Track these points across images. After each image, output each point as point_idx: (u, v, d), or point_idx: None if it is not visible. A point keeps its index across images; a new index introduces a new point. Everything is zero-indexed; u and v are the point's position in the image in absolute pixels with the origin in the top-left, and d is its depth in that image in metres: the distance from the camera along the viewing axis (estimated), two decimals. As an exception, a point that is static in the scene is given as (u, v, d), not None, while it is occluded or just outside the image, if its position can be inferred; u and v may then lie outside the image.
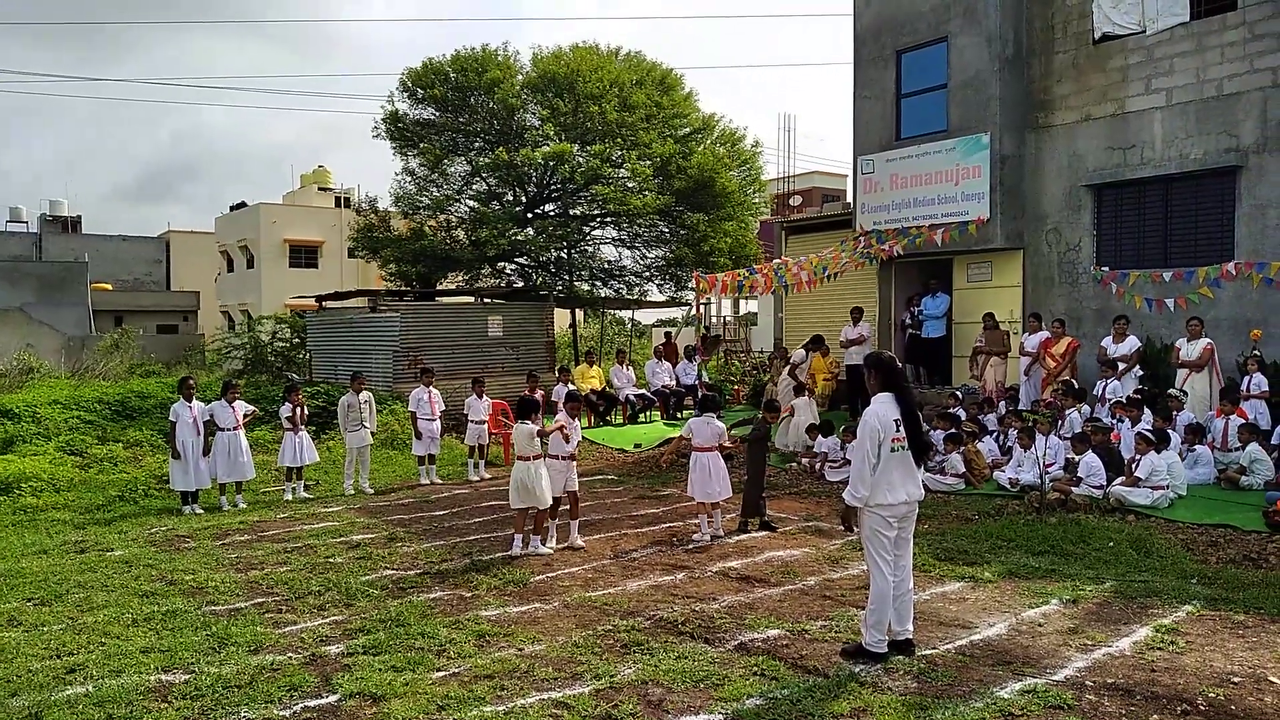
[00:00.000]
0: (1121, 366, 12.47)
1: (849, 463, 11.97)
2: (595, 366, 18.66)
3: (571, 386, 14.34)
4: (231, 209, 46.99)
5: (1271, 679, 5.53)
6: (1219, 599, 7.09)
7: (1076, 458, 10.25)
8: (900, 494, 5.91)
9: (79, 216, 53.67)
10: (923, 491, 6.11)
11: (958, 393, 14.34)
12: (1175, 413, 11.25)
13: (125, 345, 30.17)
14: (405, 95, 24.91)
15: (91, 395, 16.97)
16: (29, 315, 36.86)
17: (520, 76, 24.63)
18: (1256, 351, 11.73)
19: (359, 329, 19.56)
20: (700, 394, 15.53)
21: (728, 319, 34.07)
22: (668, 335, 21.81)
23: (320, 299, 21.82)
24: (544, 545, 8.98)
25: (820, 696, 5.35)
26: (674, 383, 18.51)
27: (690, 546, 9.13)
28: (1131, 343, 12.61)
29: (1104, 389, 12.38)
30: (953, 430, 11.64)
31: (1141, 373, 12.49)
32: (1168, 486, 9.59)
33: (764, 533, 9.71)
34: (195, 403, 11.63)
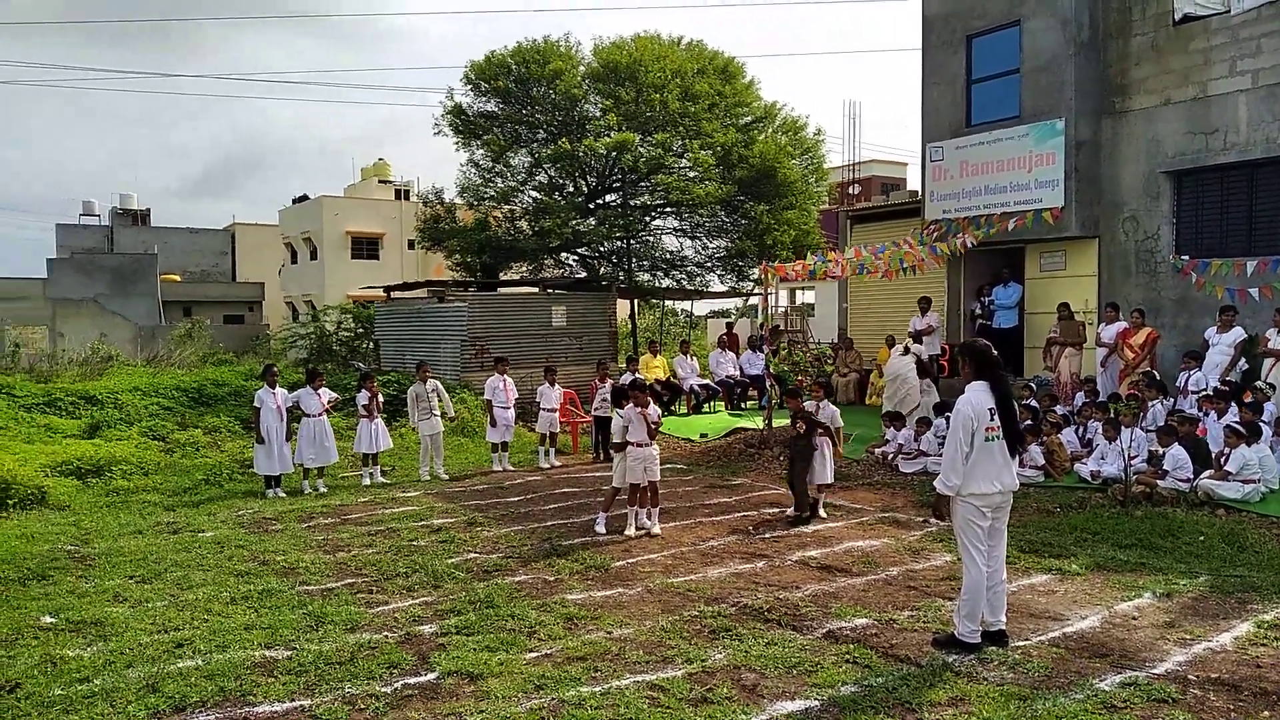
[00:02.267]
0: (1227, 358, 12.08)
1: (923, 454, 11.96)
2: (659, 356, 18.70)
3: (638, 377, 14.37)
4: (294, 202, 47.84)
5: (1384, 676, 5.39)
6: (1320, 594, 6.92)
7: (1162, 450, 10.04)
8: (995, 483, 5.85)
9: (148, 209, 55.06)
10: (1017, 482, 6.04)
11: (1031, 384, 14.12)
12: (1265, 405, 10.95)
13: (197, 335, 30.93)
14: (469, 88, 25.15)
15: (169, 383, 17.44)
16: (102, 306, 37.96)
17: (582, 67, 24.71)
18: (1347, 342, 11.39)
19: (426, 319, 19.83)
20: (769, 383, 15.53)
21: (785, 309, 33.90)
22: (729, 325, 21.78)
23: (388, 290, 22.16)
24: (630, 527, 9.32)
25: (916, 685, 5.34)
26: (738, 373, 18.49)
27: (768, 535, 9.14)
28: (1237, 333, 12.19)
29: (1187, 380, 12.10)
30: (1030, 422, 11.47)
31: (1246, 366, 12.11)
32: (1259, 480, 9.36)
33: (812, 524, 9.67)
34: (279, 389, 11.90)
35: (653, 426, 9.52)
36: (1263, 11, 12.89)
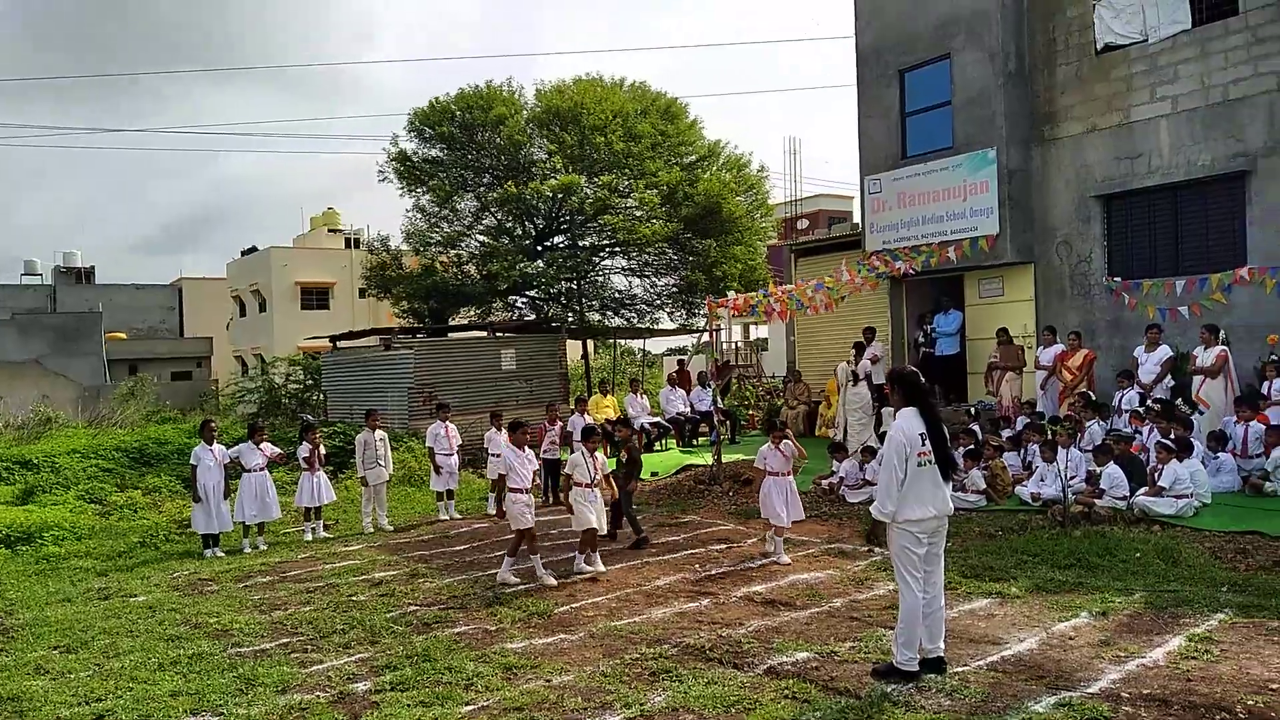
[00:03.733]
0: (1154, 376, 12.33)
1: (869, 484, 12.00)
2: (609, 396, 18.66)
3: (587, 419, 14.32)
4: (243, 254, 47.42)
5: (1311, 685, 5.45)
6: (1251, 606, 7.01)
7: (1099, 469, 10.18)
8: (930, 508, 5.88)
9: (92, 267, 54.33)
10: (951, 506, 6.07)
11: (973, 408, 14.29)
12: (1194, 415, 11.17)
13: (140, 393, 30.34)
14: (413, 134, 25.18)
15: (109, 443, 17.07)
16: (44, 367, 37.12)
17: (525, 111, 24.87)
18: (1274, 356, 11.66)
19: (373, 367, 19.65)
20: (717, 419, 15.52)
21: (738, 345, 34.08)
22: (680, 363, 21.83)
23: (334, 339, 21.95)
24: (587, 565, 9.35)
25: (854, 717, 5.30)
26: (689, 410, 18.49)
27: (714, 573, 9.08)
28: (1164, 352, 12.48)
29: (1121, 399, 12.31)
30: (971, 446, 11.59)
31: (1173, 383, 12.36)
32: (1192, 495, 9.51)
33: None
34: (216, 445, 11.67)
35: (604, 471, 9.63)
36: (1178, 40, 13.34)
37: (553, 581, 8.87)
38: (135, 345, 47.09)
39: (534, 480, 9.66)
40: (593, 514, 9.22)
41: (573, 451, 12.34)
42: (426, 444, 13.64)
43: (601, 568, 9.25)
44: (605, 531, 9.52)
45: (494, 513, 13.37)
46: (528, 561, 9.23)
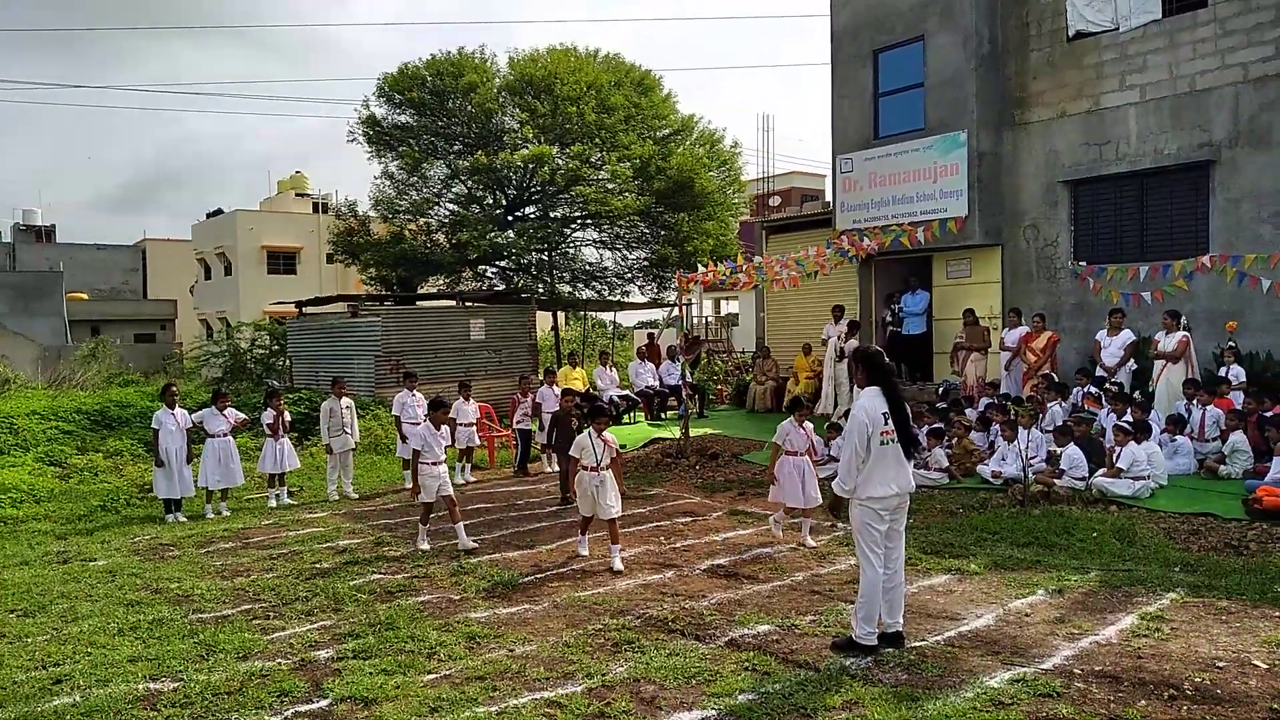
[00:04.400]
0: (1117, 360, 12.52)
1: (833, 459, 12.10)
2: (578, 369, 18.64)
3: (555, 390, 14.27)
4: (208, 216, 46.65)
5: (1255, 662, 5.61)
6: (1202, 586, 7.19)
7: (1059, 450, 10.34)
8: (891, 486, 5.95)
9: (53, 226, 53.22)
10: (913, 484, 6.15)
11: (941, 388, 14.44)
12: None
13: (102, 355, 29.88)
14: (382, 100, 24.85)
15: (70, 405, 16.77)
16: (3, 326, 36.44)
17: (498, 80, 24.61)
18: (1232, 343, 11.88)
19: (339, 334, 19.47)
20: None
21: (709, 319, 34.16)
22: (650, 336, 21.83)
23: (300, 305, 21.70)
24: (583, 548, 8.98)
25: (812, 690, 5.38)
26: (657, 383, 18.53)
27: (678, 545, 9.14)
28: (1126, 336, 12.65)
29: (1079, 395, 12.48)
30: (937, 424, 11.72)
31: (1135, 367, 12.55)
32: (1149, 477, 9.69)
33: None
34: (178, 410, 11.54)
35: (614, 454, 8.74)
36: (1148, 29, 13.45)
37: (472, 545, 9.27)
38: (97, 306, 46.29)
39: (446, 454, 9.97)
40: (592, 500, 8.58)
41: (542, 425, 12.39)
42: (393, 412, 13.58)
43: (619, 565, 8.37)
44: (617, 513, 8.58)
45: (460, 482, 13.40)
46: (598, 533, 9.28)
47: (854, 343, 15.30)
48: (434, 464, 9.60)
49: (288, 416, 12.73)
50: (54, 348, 34.80)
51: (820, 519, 9.42)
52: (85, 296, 46.17)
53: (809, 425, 9.27)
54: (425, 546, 9.33)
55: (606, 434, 8.71)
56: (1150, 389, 12.03)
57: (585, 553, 8.84)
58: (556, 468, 12.64)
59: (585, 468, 8.63)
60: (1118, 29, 13.76)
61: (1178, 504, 9.36)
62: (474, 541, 9.36)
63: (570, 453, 8.75)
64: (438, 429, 9.83)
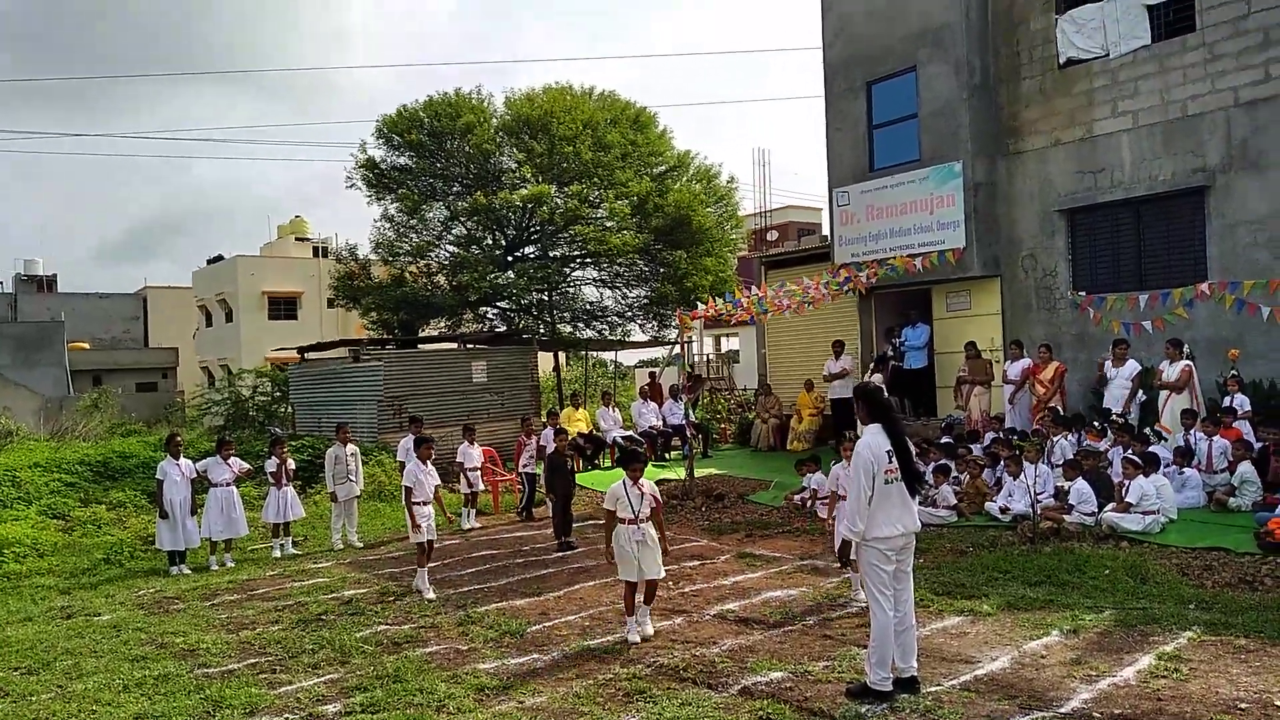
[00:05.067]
0: (1126, 391, 12.43)
1: (840, 498, 12.03)
2: (581, 409, 18.62)
3: (551, 430, 14.22)
4: (209, 262, 46.84)
5: (1278, 704, 5.52)
6: (1218, 624, 7.09)
7: (1067, 485, 10.28)
8: (897, 526, 5.90)
9: (54, 275, 53.37)
10: (919, 523, 6.11)
11: (945, 423, 14.40)
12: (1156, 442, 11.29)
13: (104, 405, 29.84)
14: (381, 142, 25.03)
15: (72, 457, 16.71)
16: (4, 377, 36.41)
17: (495, 120, 24.81)
18: (1235, 371, 11.85)
19: (342, 380, 19.46)
20: (689, 431, 15.48)
21: (710, 357, 34.16)
22: (652, 375, 21.84)
23: (302, 351, 21.72)
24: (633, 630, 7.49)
25: (828, 740, 5.29)
26: (660, 423, 18.48)
27: (687, 590, 9.05)
28: (1132, 366, 12.55)
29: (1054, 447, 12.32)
30: (943, 461, 11.66)
31: (1144, 397, 12.47)
32: (1158, 511, 9.62)
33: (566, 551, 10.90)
34: (183, 460, 11.50)
35: (654, 503, 7.69)
36: (1138, 55, 13.55)
37: (431, 596, 9.16)
38: (99, 356, 46.32)
39: (435, 493, 10.04)
40: (634, 563, 7.42)
41: (547, 466, 12.30)
42: (398, 458, 13.52)
43: (650, 630, 7.49)
44: (661, 574, 7.70)
45: (466, 527, 13.34)
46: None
47: (841, 384, 15.29)
48: (424, 504, 9.73)
49: (291, 464, 12.69)
50: (56, 398, 34.77)
51: (829, 562, 9.34)
52: (87, 346, 46.21)
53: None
54: (430, 596, 9.20)
55: (644, 481, 7.67)
56: (1152, 422, 11.94)
57: (638, 639, 7.36)
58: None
59: (623, 521, 7.53)
60: (1108, 55, 13.88)
61: (1189, 538, 9.28)
62: (434, 593, 9.25)
63: (604, 505, 7.67)
64: (425, 465, 9.95)
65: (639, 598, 7.54)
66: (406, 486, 9.88)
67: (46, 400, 33.75)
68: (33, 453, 17.77)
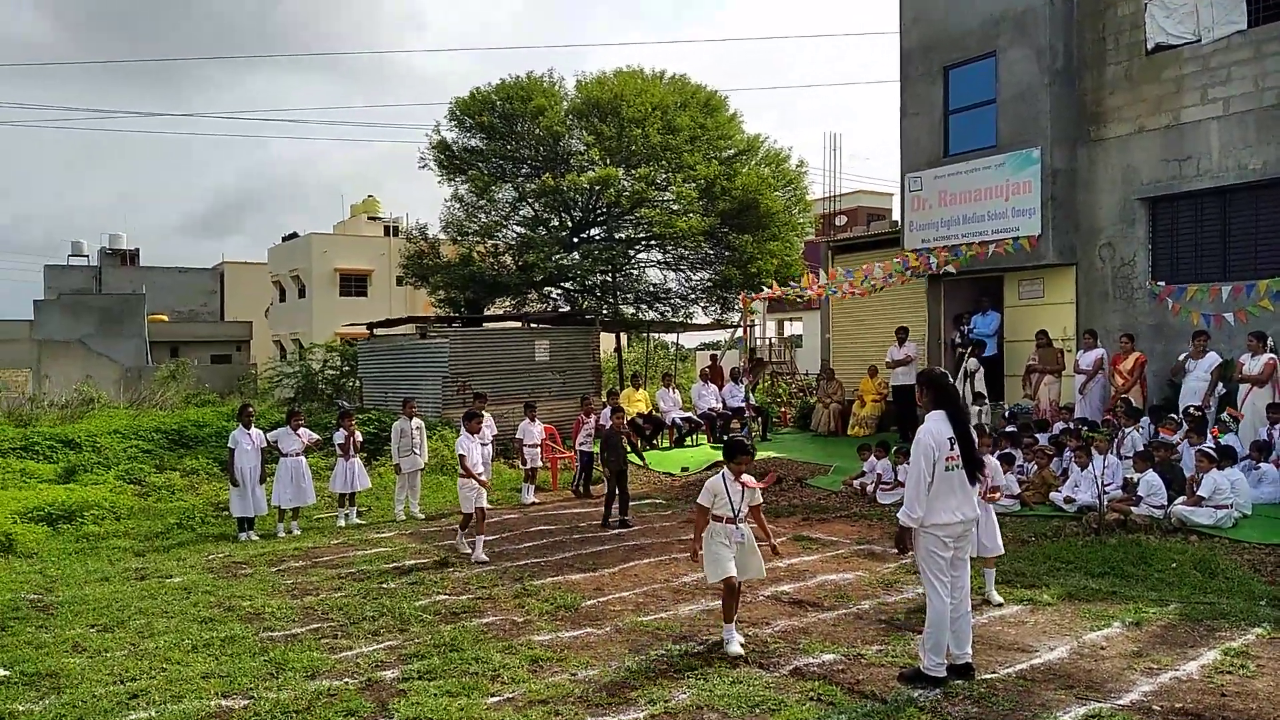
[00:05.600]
0: (1204, 384, 12.05)
1: (901, 485, 11.90)
2: (641, 390, 18.67)
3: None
4: (284, 240, 47.95)
5: (1350, 705, 5.33)
6: (1290, 621, 6.87)
7: (1137, 476, 10.01)
8: (956, 514, 5.82)
9: (137, 249, 55.20)
10: (978, 511, 6.01)
11: (1010, 411, 14.12)
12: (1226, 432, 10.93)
13: (181, 375, 30.78)
14: (453, 124, 25.30)
15: (149, 425, 17.33)
16: (88, 347, 37.84)
17: (565, 103, 24.88)
18: (1320, 365, 11.39)
19: (409, 356, 19.80)
20: (749, 414, 15.46)
21: (772, 341, 33.95)
22: (713, 358, 21.81)
23: (371, 327, 22.14)
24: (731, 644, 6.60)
25: (878, 722, 5.26)
26: (720, 405, 18.45)
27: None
28: (1212, 359, 12.15)
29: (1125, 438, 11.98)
30: (1007, 450, 11.44)
31: (1224, 390, 12.09)
32: (1232, 505, 9.32)
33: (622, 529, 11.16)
34: (254, 430, 11.83)
35: (756, 500, 6.94)
36: (1232, 40, 13.04)
37: (484, 558, 9.75)
38: (177, 328, 47.85)
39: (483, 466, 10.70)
40: (731, 561, 6.66)
41: (602, 443, 12.38)
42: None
43: (739, 650, 6.55)
44: (761, 576, 7.13)
45: (526, 502, 13.51)
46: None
47: (904, 370, 15.02)
48: (473, 475, 10.15)
49: (359, 436, 12.97)
50: (135, 368, 36.03)
51: (886, 548, 9.24)
52: (166, 318, 47.75)
53: (992, 460, 7.68)
54: (483, 557, 9.84)
55: (747, 476, 6.86)
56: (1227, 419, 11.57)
57: (739, 650, 6.54)
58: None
59: (717, 519, 6.77)
60: (1199, 40, 13.37)
61: (1263, 534, 8.98)
62: (487, 557, 9.87)
63: (699, 501, 6.89)
64: (474, 437, 10.46)
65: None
66: (460, 454, 10.38)
67: (126, 370, 35.01)
68: (112, 420, 18.46)
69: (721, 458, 7.13)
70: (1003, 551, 7.56)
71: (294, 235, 47.17)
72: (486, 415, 13.60)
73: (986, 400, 14.49)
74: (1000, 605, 7.46)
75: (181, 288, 52.07)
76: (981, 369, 14.96)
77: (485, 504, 10.19)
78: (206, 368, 40.02)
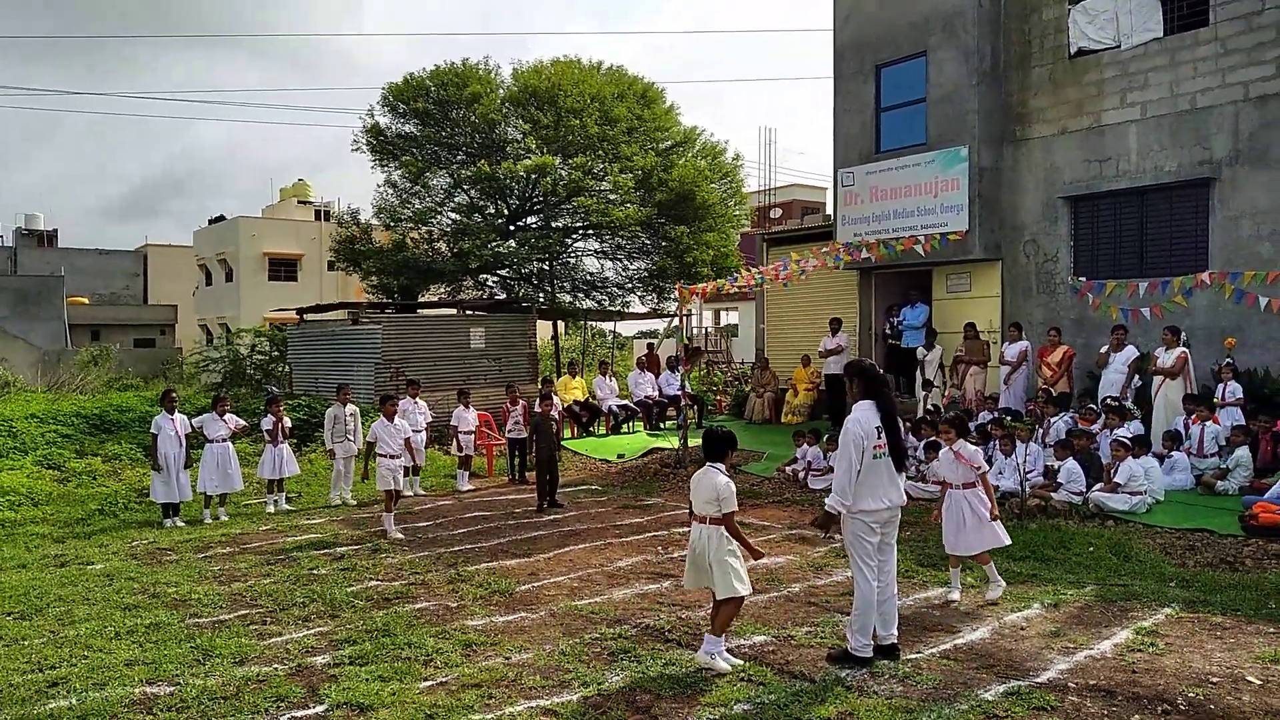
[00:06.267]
0: (1123, 376, 12.48)
1: (832, 470, 12.13)
2: (578, 378, 18.69)
3: (555, 399, 14.28)
4: (210, 222, 46.76)
5: (1249, 678, 5.62)
6: (1197, 601, 7.20)
7: (1058, 464, 10.35)
8: (883, 500, 5.97)
9: (55, 230, 53.33)
10: (904, 497, 6.18)
11: (936, 404, 14.46)
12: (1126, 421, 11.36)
13: (103, 359, 29.88)
14: (386, 109, 24.95)
15: (69, 409, 16.78)
16: (3, 329, 36.46)
17: (501, 91, 24.71)
18: (1230, 360, 11.90)
19: (340, 341, 19.50)
20: (684, 402, 15.55)
21: (709, 330, 34.20)
22: (650, 346, 21.89)
23: (301, 312, 21.74)
24: (717, 656, 5.97)
25: (807, 701, 5.39)
26: (656, 393, 18.56)
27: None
28: (1130, 352, 12.60)
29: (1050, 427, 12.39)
30: (934, 438, 11.72)
31: (1140, 383, 12.54)
32: (1146, 492, 9.71)
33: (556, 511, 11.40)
34: (178, 415, 11.56)
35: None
36: (1149, 47, 13.49)
37: (399, 535, 10.20)
38: (98, 311, 46.36)
39: (404, 447, 11.13)
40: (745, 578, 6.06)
41: (531, 428, 12.43)
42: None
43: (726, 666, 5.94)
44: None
45: (461, 489, 13.44)
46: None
47: (836, 360, 15.29)
48: (390, 457, 10.71)
49: (287, 422, 12.77)
50: (53, 352, 34.80)
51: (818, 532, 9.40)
52: (86, 301, 46.23)
53: (966, 446, 7.41)
54: (399, 535, 10.25)
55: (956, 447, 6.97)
56: (1141, 406, 12.04)
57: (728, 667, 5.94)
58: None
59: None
60: (1119, 46, 13.81)
61: (1174, 519, 9.37)
62: (400, 533, 10.35)
63: (730, 507, 6.02)
64: (390, 421, 10.94)
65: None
66: (369, 441, 10.97)
67: (44, 353, 33.79)
68: (29, 404, 17.82)
69: (708, 454, 6.24)
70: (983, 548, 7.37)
71: (221, 218, 46.04)
72: (420, 402, 13.56)
73: (934, 387, 14.84)
74: (996, 601, 7.29)
75: (103, 270, 50.45)
76: (930, 356, 15.26)
77: (399, 485, 10.80)
78: (130, 352, 38.86)
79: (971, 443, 7.66)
